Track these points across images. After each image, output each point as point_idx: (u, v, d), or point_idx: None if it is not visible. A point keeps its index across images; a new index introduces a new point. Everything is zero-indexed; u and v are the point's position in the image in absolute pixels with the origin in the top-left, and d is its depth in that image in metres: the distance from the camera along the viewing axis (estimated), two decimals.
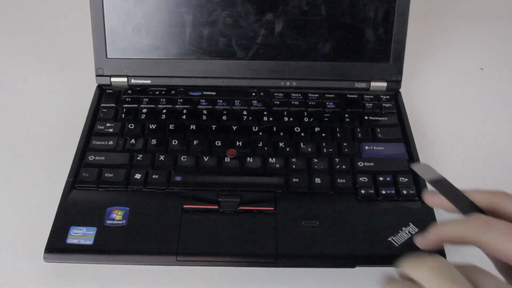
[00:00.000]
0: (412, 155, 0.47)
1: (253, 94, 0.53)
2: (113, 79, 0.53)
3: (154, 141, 0.48)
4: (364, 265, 0.40)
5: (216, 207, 0.42)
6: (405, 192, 0.44)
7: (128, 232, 0.41)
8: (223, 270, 0.42)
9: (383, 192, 0.44)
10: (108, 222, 0.41)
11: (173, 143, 0.48)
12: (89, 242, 0.40)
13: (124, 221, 0.41)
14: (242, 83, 0.53)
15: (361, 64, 0.52)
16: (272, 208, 0.43)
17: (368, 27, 0.51)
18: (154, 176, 0.45)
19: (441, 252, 0.39)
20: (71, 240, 0.40)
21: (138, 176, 0.45)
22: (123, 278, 0.41)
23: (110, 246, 0.40)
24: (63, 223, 0.41)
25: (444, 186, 0.36)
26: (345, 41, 0.51)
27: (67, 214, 0.42)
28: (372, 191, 0.44)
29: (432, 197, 0.36)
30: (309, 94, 0.53)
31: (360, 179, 0.45)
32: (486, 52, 0.65)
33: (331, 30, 0.51)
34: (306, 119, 0.50)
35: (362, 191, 0.44)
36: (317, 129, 0.49)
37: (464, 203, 0.34)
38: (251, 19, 0.50)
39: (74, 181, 0.45)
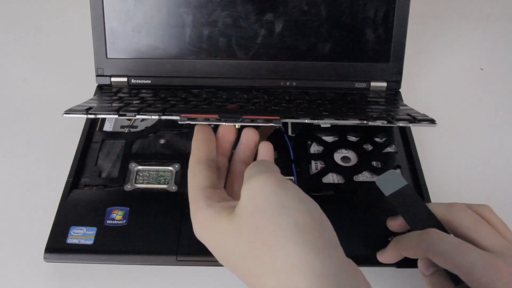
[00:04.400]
0: (411, 155, 0.47)
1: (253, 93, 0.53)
2: (113, 79, 0.53)
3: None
4: (364, 265, 0.40)
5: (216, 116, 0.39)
6: None
7: (128, 232, 0.41)
8: (223, 270, 0.42)
9: None
10: (108, 222, 0.41)
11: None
12: (89, 242, 0.40)
13: (124, 221, 0.41)
14: (242, 83, 0.53)
15: (361, 64, 0.52)
16: (278, 118, 0.39)
17: (368, 27, 0.51)
18: None
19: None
20: (71, 240, 0.40)
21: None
22: (123, 278, 0.41)
23: (110, 246, 0.40)
24: (63, 223, 0.41)
25: (404, 198, 0.37)
26: (345, 41, 0.51)
27: (67, 214, 0.42)
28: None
29: (393, 222, 0.39)
30: None
31: None
32: (486, 52, 0.65)
33: (331, 30, 0.51)
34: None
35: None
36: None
37: (422, 214, 0.36)
38: (251, 19, 0.50)
39: (74, 181, 0.45)
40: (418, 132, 0.51)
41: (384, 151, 0.49)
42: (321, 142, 0.49)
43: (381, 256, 0.39)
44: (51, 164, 0.50)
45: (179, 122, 0.38)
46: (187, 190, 0.44)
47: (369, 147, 0.49)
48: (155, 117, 0.40)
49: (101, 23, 0.51)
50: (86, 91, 0.53)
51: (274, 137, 0.49)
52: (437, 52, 0.65)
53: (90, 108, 0.42)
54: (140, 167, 0.47)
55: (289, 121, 0.43)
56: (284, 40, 0.51)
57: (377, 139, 0.50)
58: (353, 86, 0.53)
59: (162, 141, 0.49)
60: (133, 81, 0.53)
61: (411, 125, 0.40)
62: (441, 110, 0.57)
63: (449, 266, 0.33)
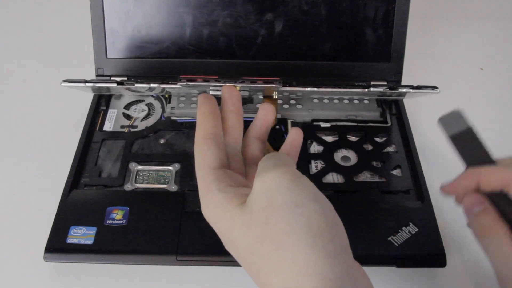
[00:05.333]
0: (412, 155, 0.47)
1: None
2: (113, 79, 0.53)
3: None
4: (364, 265, 0.40)
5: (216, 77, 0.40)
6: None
7: (128, 232, 0.41)
8: (223, 270, 0.42)
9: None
10: (108, 222, 0.41)
11: None
12: (89, 242, 0.40)
13: (124, 221, 0.41)
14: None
15: (361, 64, 0.52)
16: (278, 78, 0.41)
17: (368, 27, 0.51)
18: None
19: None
20: (71, 240, 0.40)
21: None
22: (123, 278, 0.41)
23: (110, 246, 0.40)
24: (63, 223, 0.41)
25: (466, 141, 0.35)
26: (345, 41, 0.51)
27: (67, 214, 0.42)
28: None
29: (447, 188, 0.36)
30: None
31: None
32: (486, 52, 0.65)
33: (331, 30, 0.51)
34: None
35: None
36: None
37: (485, 159, 0.34)
38: (251, 19, 0.50)
39: (74, 181, 0.45)
40: (418, 131, 0.51)
41: (384, 151, 0.49)
42: (321, 142, 0.49)
43: (449, 186, 0.36)
44: (51, 164, 0.50)
45: (179, 85, 0.38)
46: (187, 190, 0.44)
47: (369, 147, 0.49)
48: (155, 85, 0.40)
49: (101, 23, 0.51)
50: (86, 91, 0.53)
51: (274, 136, 0.49)
52: (437, 52, 0.65)
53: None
54: (140, 167, 0.47)
55: (290, 89, 0.42)
56: (284, 40, 0.51)
57: (377, 139, 0.50)
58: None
59: (162, 141, 0.49)
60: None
61: (412, 90, 0.40)
62: (441, 110, 0.57)
63: None
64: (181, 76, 0.39)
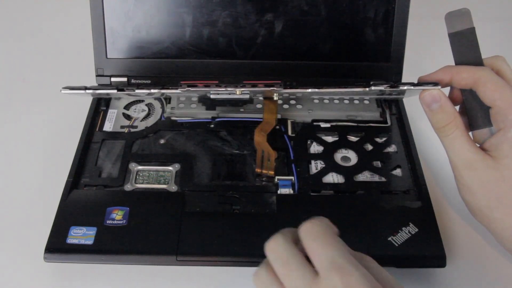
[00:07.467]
0: (412, 155, 0.47)
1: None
2: (113, 79, 0.53)
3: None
4: None
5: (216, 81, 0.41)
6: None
7: (128, 232, 0.41)
8: (223, 270, 0.42)
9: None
10: (108, 222, 0.41)
11: None
12: (89, 242, 0.40)
13: (124, 221, 0.41)
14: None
15: (361, 64, 0.52)
16: (279, 81, 0.42)
17: (368, 27, 0.51)
18: None
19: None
20: (71, 240, 0.40)
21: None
22: (123, 278, 0.41)
23: (110, 246, 0.40)
24: (63, 223, 0.41)
25: (464, 40, 0.37)
26: (345, 41, 0.51)
27: (67, 214, 0.42)
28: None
29: (424, 78, 0.40)
30: None
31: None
32: (485, 53, 0.65)
33: (331, 30, 0.51)
34: None
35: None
36: None
37: (474, 60, 0.38)
38: (251, 19, 0.50)
39: (74, 181, 0.45)
40: (418, 132, 0.51)
41: (384, 151, 0.49)
42: (321, 142, 0.49)
43: (426, 76, 0.40)
44: (51, 164, 0.50)
45: (180, 90, 0.38)
46: (187, 190, 0.44)
47: (369, 147, 0.49)
48: (155, 91, 0.41)
49: (101, 23, 0.51)
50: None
51: (274, 137, 0.49)
52: (437, 52, 0.65)
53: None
54: (140, 167, 0.47)
55: (291, 91, 0.43)
56: (284, 40, 0.51)
57: (377, 139, 0.50)
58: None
59: (162, 141, 0.49)
60: (133, 81, 0.53)
61: (413, 88, 0.41)
62: None
63: (496, 96, 0.36)
64: (181, 82, 0.39)
